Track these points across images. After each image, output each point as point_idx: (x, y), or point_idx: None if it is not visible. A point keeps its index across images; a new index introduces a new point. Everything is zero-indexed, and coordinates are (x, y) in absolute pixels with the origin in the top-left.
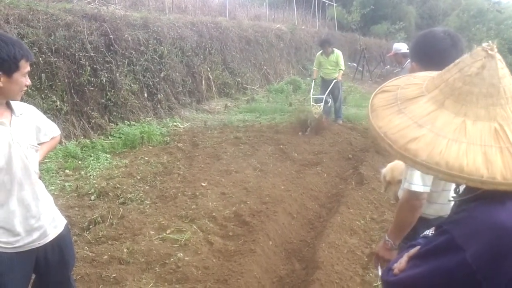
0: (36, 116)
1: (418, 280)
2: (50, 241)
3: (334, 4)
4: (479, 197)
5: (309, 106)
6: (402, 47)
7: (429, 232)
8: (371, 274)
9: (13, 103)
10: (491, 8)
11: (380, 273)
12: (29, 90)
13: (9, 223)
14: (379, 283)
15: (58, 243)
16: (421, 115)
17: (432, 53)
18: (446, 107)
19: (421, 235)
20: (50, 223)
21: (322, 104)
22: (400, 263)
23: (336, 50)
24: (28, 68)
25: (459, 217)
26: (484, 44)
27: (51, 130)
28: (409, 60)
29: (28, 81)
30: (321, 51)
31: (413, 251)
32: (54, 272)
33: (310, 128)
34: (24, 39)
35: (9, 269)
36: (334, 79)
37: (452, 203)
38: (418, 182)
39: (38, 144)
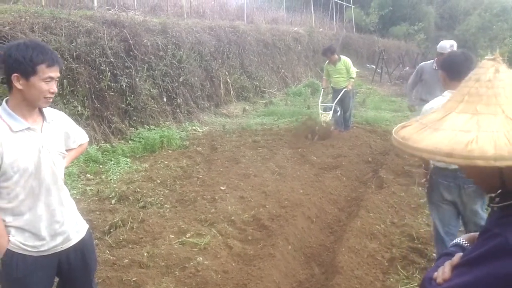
0: (66, 122)
1: None
2: (73, 245)
3: (352, 6)
4: None
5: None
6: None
7: (461, 240)
8: (391, 279)
9: (44, 110)
10: None
11: None
12: None
13: (35, 227)
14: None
15: (81, 248)
16: (460, 124)
17: (450, 62)
18: (481, 112)
19: (451, 244)
20: (73, 228)
21: (331, 112)
22: (444, 273)
23: (343, 57)
24: (49, 74)
25: (510, 220)
26: (487, 57)
27: (80, 137)
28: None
29: (52, 88)
30: (328, 60)
31: (456, 259)
32: (76, 276)
33: (318, 136)
34: None
35: (34, 272)
36: (344, 87)
37: None
38: None
39: (66, 150)
